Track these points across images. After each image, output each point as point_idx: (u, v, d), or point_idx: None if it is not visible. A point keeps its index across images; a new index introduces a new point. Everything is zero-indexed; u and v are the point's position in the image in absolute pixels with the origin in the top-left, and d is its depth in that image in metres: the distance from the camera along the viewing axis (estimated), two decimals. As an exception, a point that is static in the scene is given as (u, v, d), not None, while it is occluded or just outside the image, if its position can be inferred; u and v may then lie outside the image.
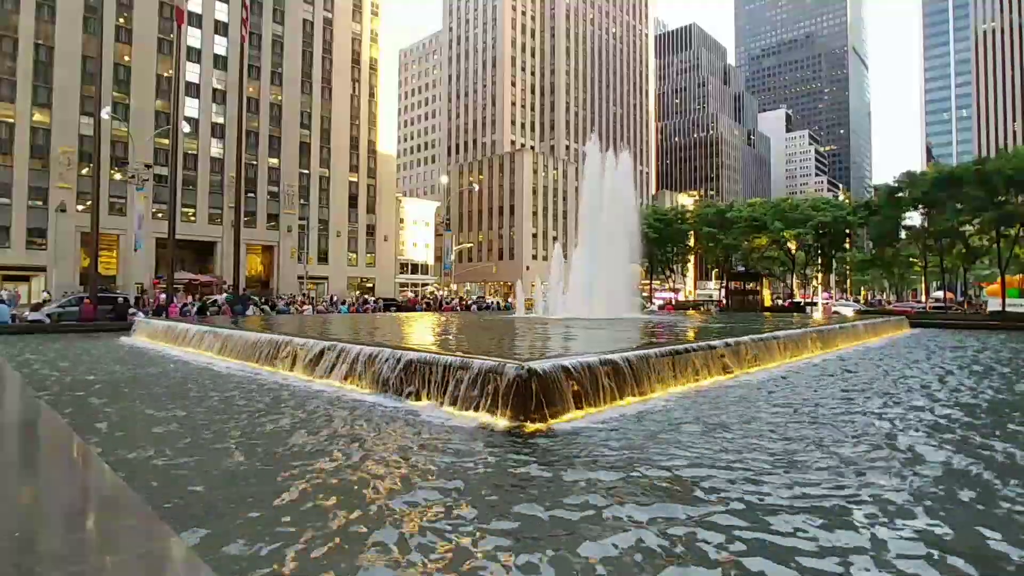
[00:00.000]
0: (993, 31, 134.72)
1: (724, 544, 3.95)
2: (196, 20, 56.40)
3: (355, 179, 69.76)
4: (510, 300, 59.46)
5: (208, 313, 30.48)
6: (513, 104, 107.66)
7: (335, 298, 49.21)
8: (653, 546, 3.93)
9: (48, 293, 41.58)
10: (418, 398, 8.83)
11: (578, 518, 4.39)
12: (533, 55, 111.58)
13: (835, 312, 47.93)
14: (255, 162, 60.08)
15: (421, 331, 17.38)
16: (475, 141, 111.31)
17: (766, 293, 59.48)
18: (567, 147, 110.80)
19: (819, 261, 63.46)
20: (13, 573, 2.14)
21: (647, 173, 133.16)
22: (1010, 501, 4.82)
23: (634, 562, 3.71)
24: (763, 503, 4.71)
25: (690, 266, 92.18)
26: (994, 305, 44.29)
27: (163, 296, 31.18)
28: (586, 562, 3.69)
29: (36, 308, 30.24)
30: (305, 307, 38.76)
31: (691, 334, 15.04)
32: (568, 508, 4.57)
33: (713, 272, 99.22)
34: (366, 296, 52.78)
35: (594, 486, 5.12)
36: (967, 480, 5.43)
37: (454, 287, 77.40)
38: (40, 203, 48.35)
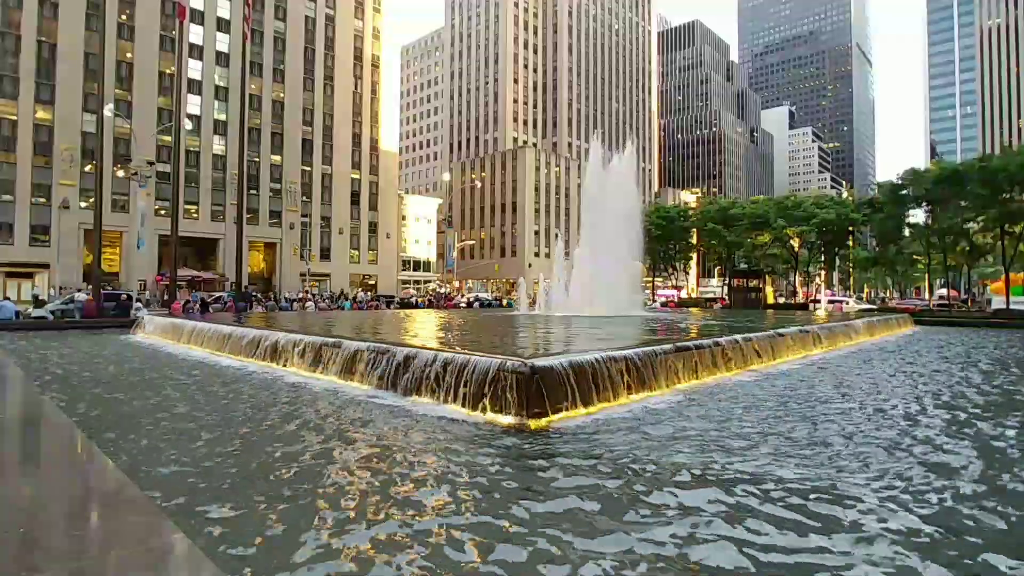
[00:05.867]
0: (998, 27, 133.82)
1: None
2: (198, 17, 56.33)
3: (357, 176, 69.69)
4: (503, 298, 59.72)
5: (211, 309, 30.55)
6: (515, 101, 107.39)
7: (343, 292, 49.52)
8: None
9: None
10: (419, 394, 8.82)
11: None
12: (536, 52, 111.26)
13: (839, 310, 47.77)
14: (257, 159, 60.06)
15: (426, 328, 17.36)
16: (477, 138, 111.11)
17: (769, 291, 59.29)
18: (569, 144, 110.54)
19: (822, 259, 63.14)
20: (16, 568, 2.14)
21: (650, 170, 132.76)
22: None
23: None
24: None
25: (693, 264, 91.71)
26: (998, 303, 44.08)
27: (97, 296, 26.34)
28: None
29: (39, 305, 30.29)
30: (308, 304, 38.85)
31: (694, 332, 14.99)
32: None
33: (716, 270, 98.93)
34: (343, 293, 52.66)
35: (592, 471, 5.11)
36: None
37: (456, 284, 77.37)
38: (43, 200, 48.43)
